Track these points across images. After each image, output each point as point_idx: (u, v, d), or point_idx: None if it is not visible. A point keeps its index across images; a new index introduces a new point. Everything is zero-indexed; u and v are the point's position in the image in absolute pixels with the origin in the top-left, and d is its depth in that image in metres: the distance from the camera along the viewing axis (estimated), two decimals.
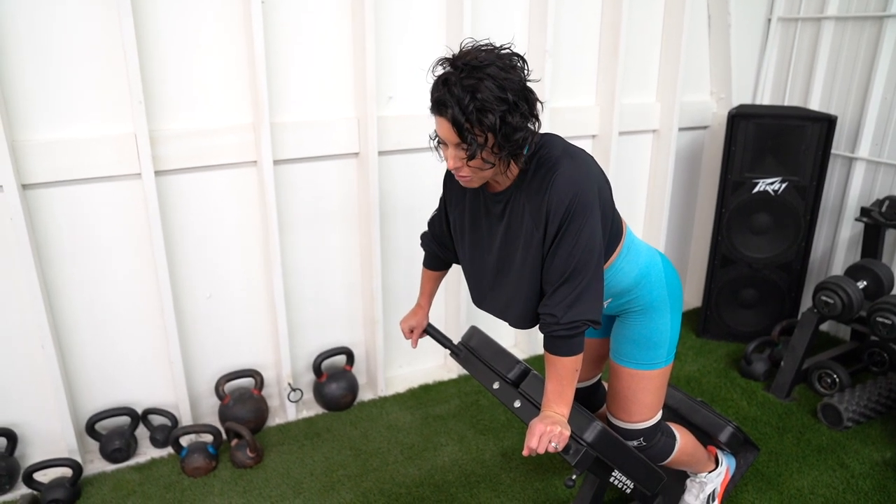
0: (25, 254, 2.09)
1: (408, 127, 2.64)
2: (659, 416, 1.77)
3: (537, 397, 1.65)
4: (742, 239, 3.13)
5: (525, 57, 1.39)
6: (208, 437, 2.47)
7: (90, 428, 2.38)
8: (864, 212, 2.84)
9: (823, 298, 2.68)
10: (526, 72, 1.37)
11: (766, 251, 3.11)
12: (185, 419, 2.51)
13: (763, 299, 3.21)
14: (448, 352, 2.00)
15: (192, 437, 2.48)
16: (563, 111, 2.94)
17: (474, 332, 1.96)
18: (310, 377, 2.81)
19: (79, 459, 2.31)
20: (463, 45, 1.38)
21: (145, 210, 2.25)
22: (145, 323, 2.42)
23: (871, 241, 2.89)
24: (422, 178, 2.77)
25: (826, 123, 2.87)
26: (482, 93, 1.28)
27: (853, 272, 2.80)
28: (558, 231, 1.43)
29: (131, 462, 2.42)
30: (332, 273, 2.74)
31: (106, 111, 2.17)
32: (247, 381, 2.65)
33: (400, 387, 2.93)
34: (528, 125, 1.36)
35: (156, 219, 2.24)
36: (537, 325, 1.56)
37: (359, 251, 2.76)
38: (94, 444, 2.44)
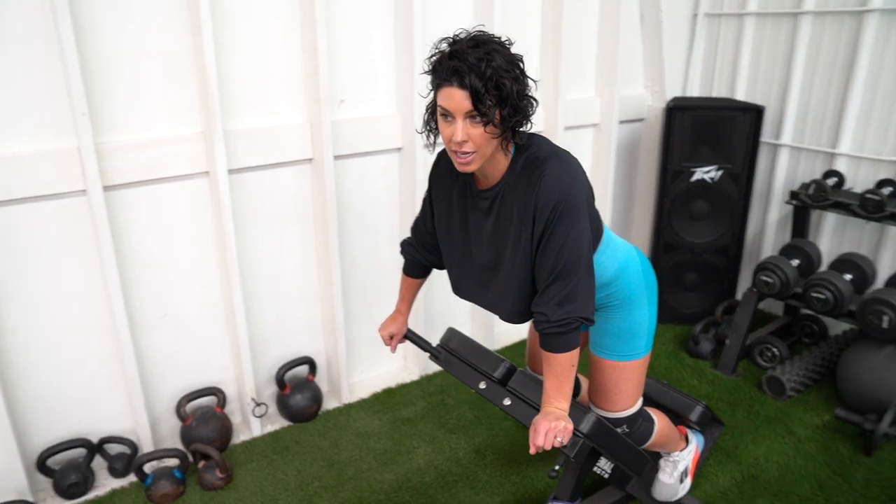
0: None
1: (360, 130, 2.60)
2: (640, 403, 1.84)
3: (527, 394, 1.68)
4: (683, 225, 3.29)
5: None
6: (173, 462, 2.36)
7: (42, 463, 2.23)
8: (794, 195, 3.04)
9: (763, 278, 2.85)
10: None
11: (706, 236, 3.28)
12: (146, 445, 2.39)
13: (704, 282, 3.38)
14: (427, 354, 2.00)
15: (154, 462, 2.37)
16: None
17: (453, 334, 1.96)
18: (271, 390, 2.74)
19: (31, 500, 2.15)
20: (456, 34, 1.42)
21: (93, 228, 2.12)
22: (97, 347, 2.28)
23: (800, 222, 3.10)
24: (375, 182, 2.75)
25: (755, 113, 3.06)
26: (495, 61, 1.34)
27: (787, 252, 3.00)
28: (545, 230, 1.46)
29: (90, 496, 2.28)
30: (289, 282, 2.67)
31: (44, 125, 2.03)
32: (208, 400, 2.54)
33: (363, 392, 2.90)
34: (530, 97, 1.43)
35: (106, 237, 2.12)
36: (529, 321, 1.61)
37: (316, 258, 2.70)
38: (45, 482, 2.28)
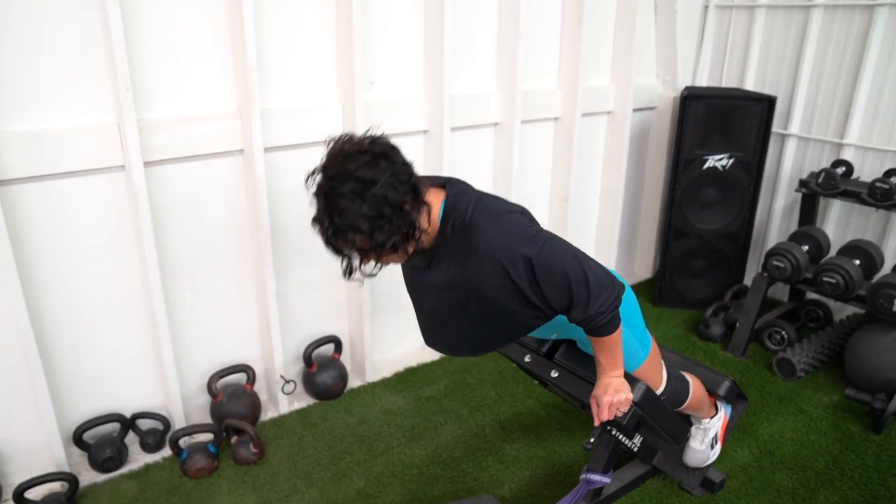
0: (5, 255, 1.93)
1: (388, 111, 2.63)
2: (666, 375, 1.89)
3: (574, 366, 1.74)
4: (693, 212, 3.37)
5: (394, 144, 1.40)
6: (206, 437, 2.38)
7: (78, 438, 2.24)
8: (803, 183, 3.13)
9: (774, 263, 2.94)
10: (395, 162, 1.36)
11: (715, 223, 3.36)
12: (178, 421, 2.41)
13: (711, 267, 3.47)
14: None
15: (187, 438, 2.39)
16: (528, 95, 3.02)
17: None
18: (297, 369, 2.77)
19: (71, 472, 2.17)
20: (328, 143, 1.41)
21: (132, 204, 2.13)
22: (130, 323, 2.30)
23: (808, 210, 3.19)
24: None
25: (767, 103, 3.14)
26: (340, 215, 1.32)
27: (797, 238, 3.09)
28: (531, 283, 1.45)
29: (124, 470, 2.30)
30: (317, 262, 2.69)
31: (83, 99, 2.03)
32: (237, 377, 2.57)
33: (386, 371, 2.94)
34: (403, 222, 1.36)
35: (145, 212, 2.13)
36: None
37: None
38: (81, 455, 2.29)
